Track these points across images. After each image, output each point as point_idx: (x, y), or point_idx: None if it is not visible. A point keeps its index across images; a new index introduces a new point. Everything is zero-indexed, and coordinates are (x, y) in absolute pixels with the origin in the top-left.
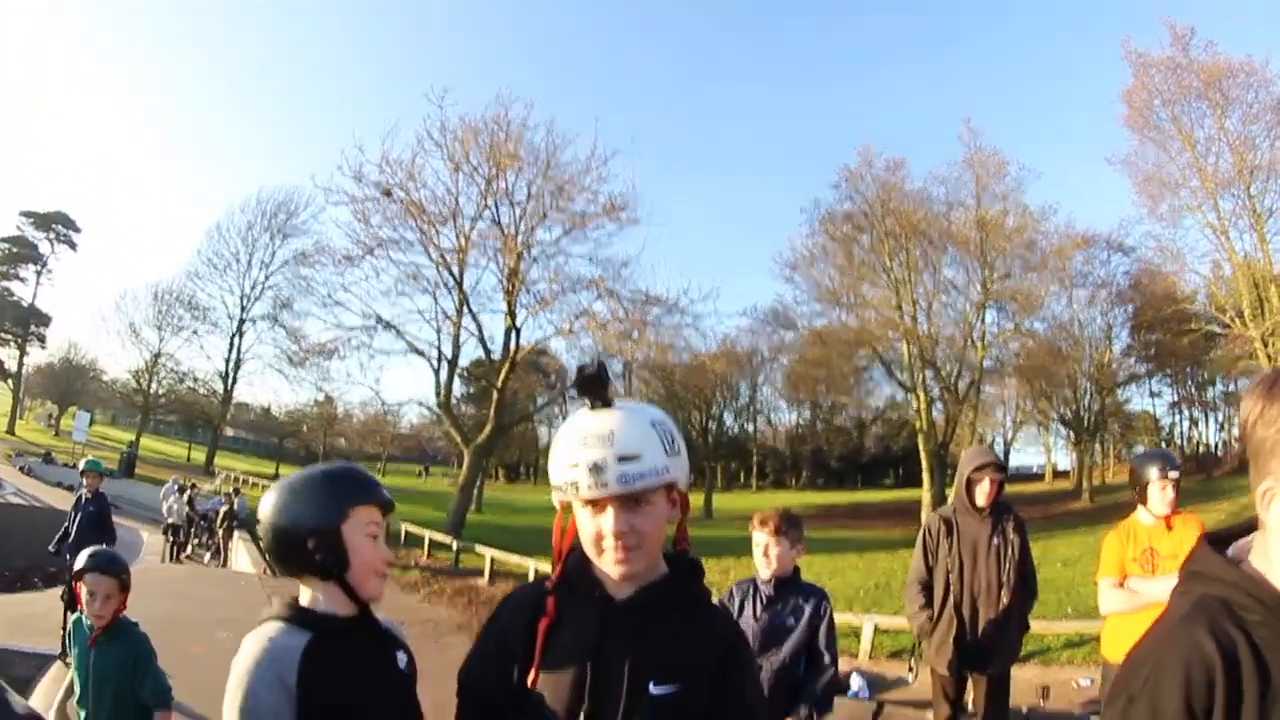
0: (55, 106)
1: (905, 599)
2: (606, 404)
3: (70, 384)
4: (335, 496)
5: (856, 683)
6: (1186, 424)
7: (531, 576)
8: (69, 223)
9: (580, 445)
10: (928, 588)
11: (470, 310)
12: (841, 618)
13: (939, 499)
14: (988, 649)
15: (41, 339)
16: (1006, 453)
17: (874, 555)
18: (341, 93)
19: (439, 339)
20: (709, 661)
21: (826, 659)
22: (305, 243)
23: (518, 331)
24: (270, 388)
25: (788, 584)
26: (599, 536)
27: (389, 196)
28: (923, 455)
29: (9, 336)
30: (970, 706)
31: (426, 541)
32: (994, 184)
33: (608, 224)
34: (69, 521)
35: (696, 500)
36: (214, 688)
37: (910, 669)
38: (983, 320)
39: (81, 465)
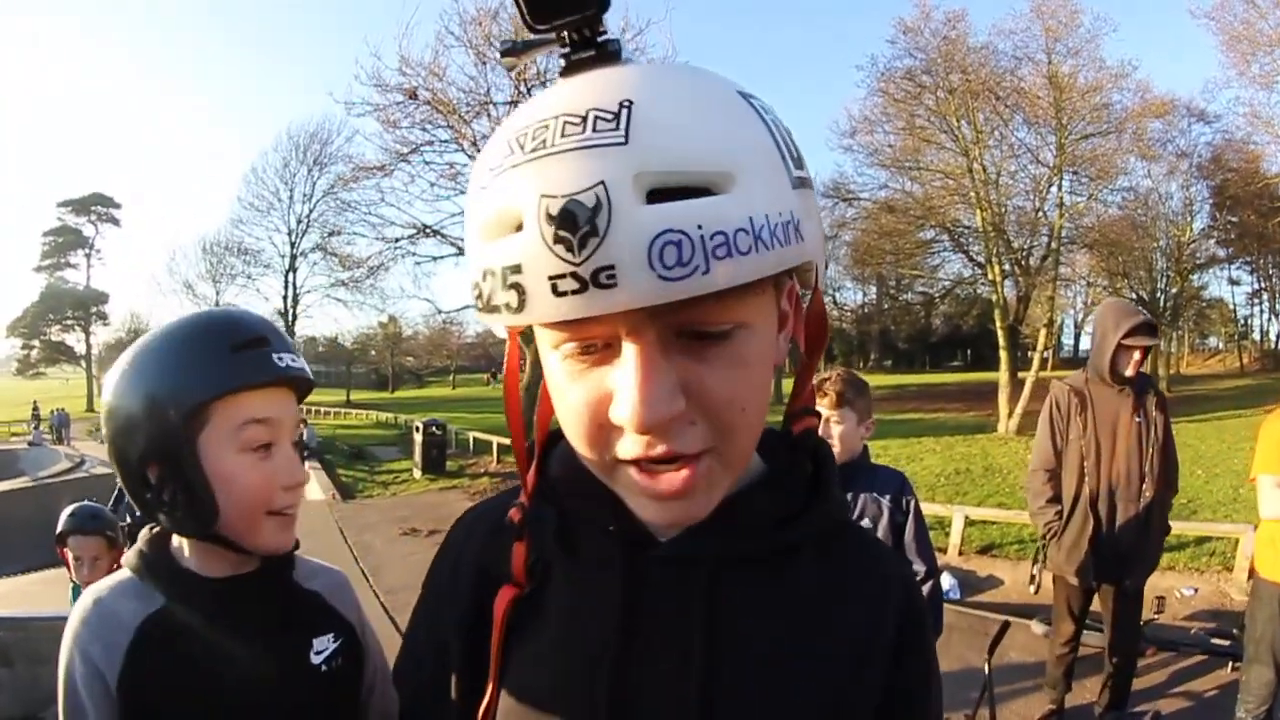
0: (70, 97)
1: (1027, 490)
2: (605, 52)
3: None
4: (180, 385)
5: (947, 582)
6: (1266, 316)
7: None
8: (107, 201)
9: (532, 163)
10: (1055, 477)
11: None
12: (927, 508)
13: (1014, 381)
14: (1126, 555)
15: (104, 317)
16: (1077, 336)
17: (949, 439)
18: (354, 7)
19: None
20: (865, 655)
21: (920, 568)
22: (342, 169)
23: None
24: (331, 317)
25: (857, 470)
26: (598, 429)
27: (414, 98)
28: (999, 332)
29: (72, 321)
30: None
31: (495, 447)
32: (1066, 36)
33: None
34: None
35: None
36: None
37: (1032, 578)
38: (1059, 186)
39: None
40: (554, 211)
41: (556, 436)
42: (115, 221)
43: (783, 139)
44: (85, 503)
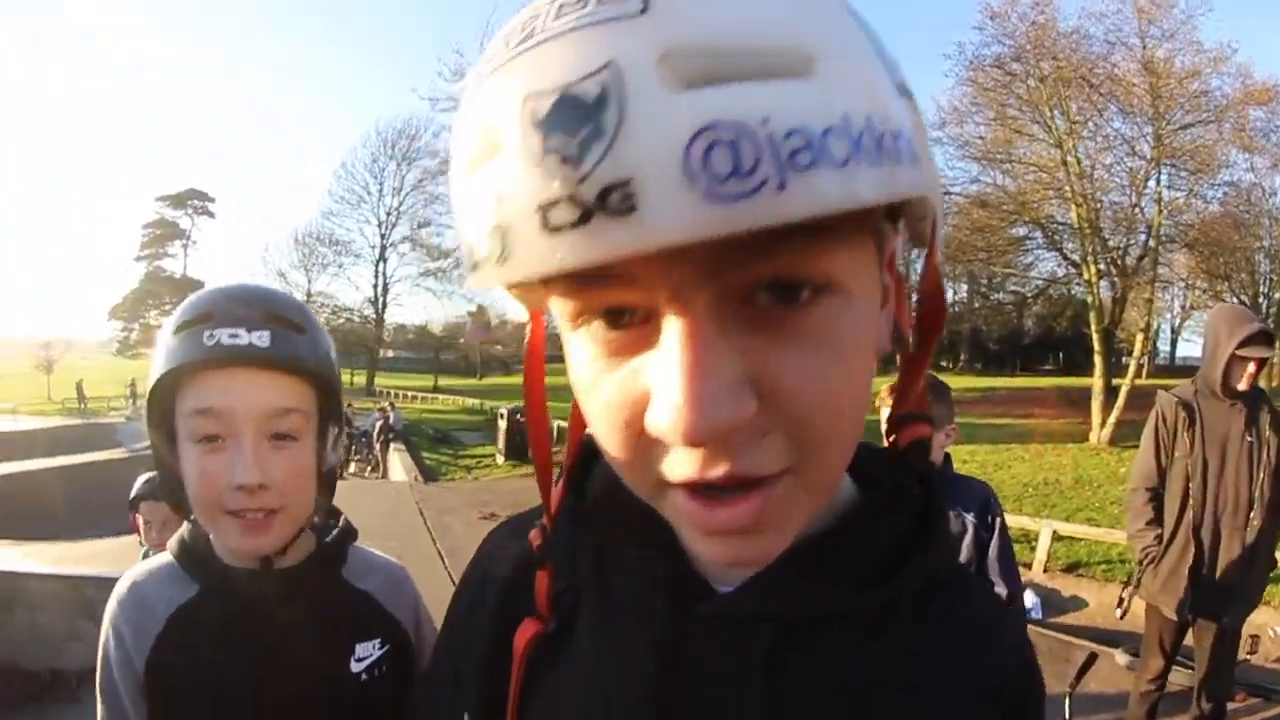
0: (169, 93)
1: (1127, 509)
2: None
3: None
4: (159, 362)
5: (1029, 600)
6: None
7: None
8: (202, 195)
9: (517, 59)
10: (1157, 497)
11: None
12: (1012, 520)
13: (1109, 388)
14: (1227, 590)
15: None
16: (1174, 342)
17: (1039, 447)
18: (441, 6)
19: None
20: None
21: (1003, 590)
22: (431, 164)
23: None
24: (421, 305)
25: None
26: (636, 439)
27: None
28: (1094, 336)
29: (170, 306)
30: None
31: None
32: (1160, 19)
33: None
34: None
35: None
36: None
37: (1121, 602)
38: (1158, 180)
39: None
40: (541, 114)
41: (584, 446)
42: (210, 214)
43: (872, 31)
44: (154, 471)
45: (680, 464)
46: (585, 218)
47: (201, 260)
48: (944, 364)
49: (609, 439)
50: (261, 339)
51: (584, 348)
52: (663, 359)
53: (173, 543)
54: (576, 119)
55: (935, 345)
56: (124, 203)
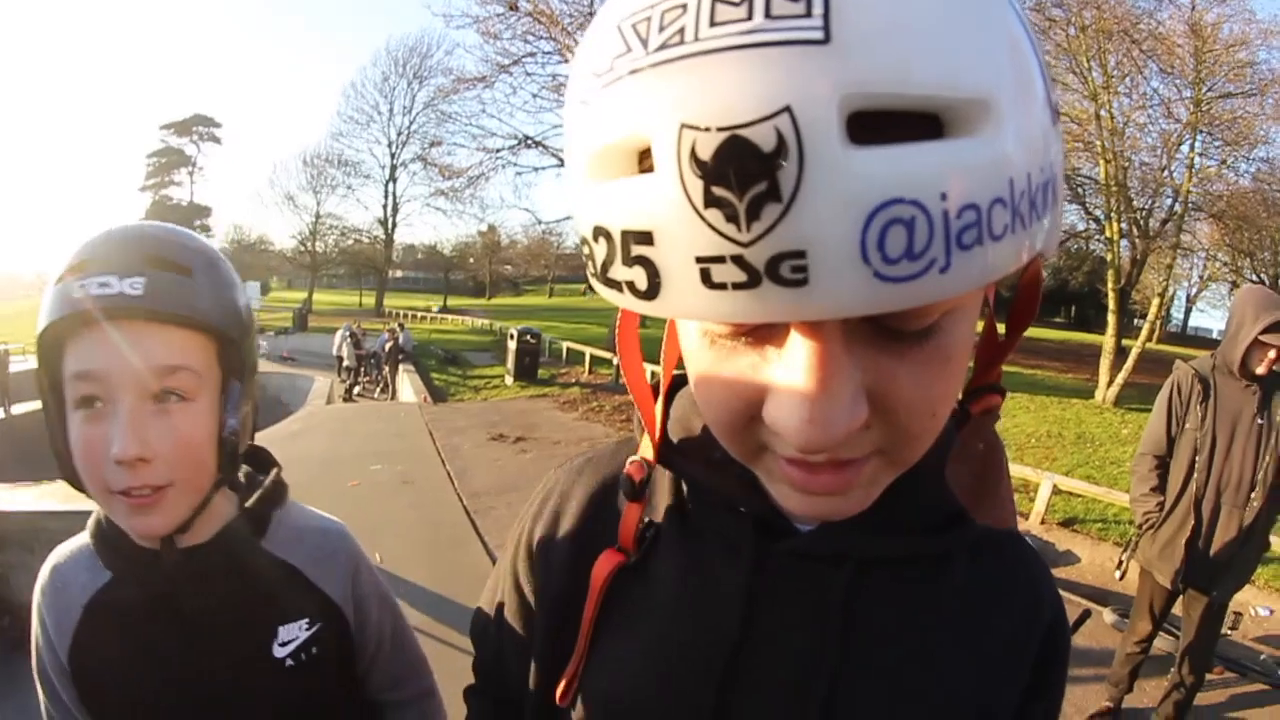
0: (170, 21)
1: (1132, 473)
2: None
3: (242, 261)
4: (40, 319)
5: None
6: None
7: None
8: (208, 121)
9: (662, 68)
10: (1163, 465)
11: None
12: (1015, 470)
13: (1119, 349)
14: (1220, 564)
15: (207, 229)
16: (1187, 311)
17: (1045, 399)
18: None
19: None
20: (1008, 674)
21: None
22: (443, 81)
23: None
24: (430, 225)
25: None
26: (747, 422)
27: (515, 9)
28: (1109, 294)
29: None
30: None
31: (587, 358)
32: None
33: None
34: None
35: None
36: (363, 520)
37: (1119, 564)
38: (1191, 146)
39: None
40: (705, 154)
41: (679, 382)
42: (216, 140)
43: (1032, 36)
44: None
45: (787, 447)
46: (752, 282)
47: (209, 186)
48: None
49: (719, 409)
50: (134, 286)
51: (701, 337)
52: (789, 368)
53: (90, 521)
54: (748, 172)
55: (1023, 334)
56: (129, 133)
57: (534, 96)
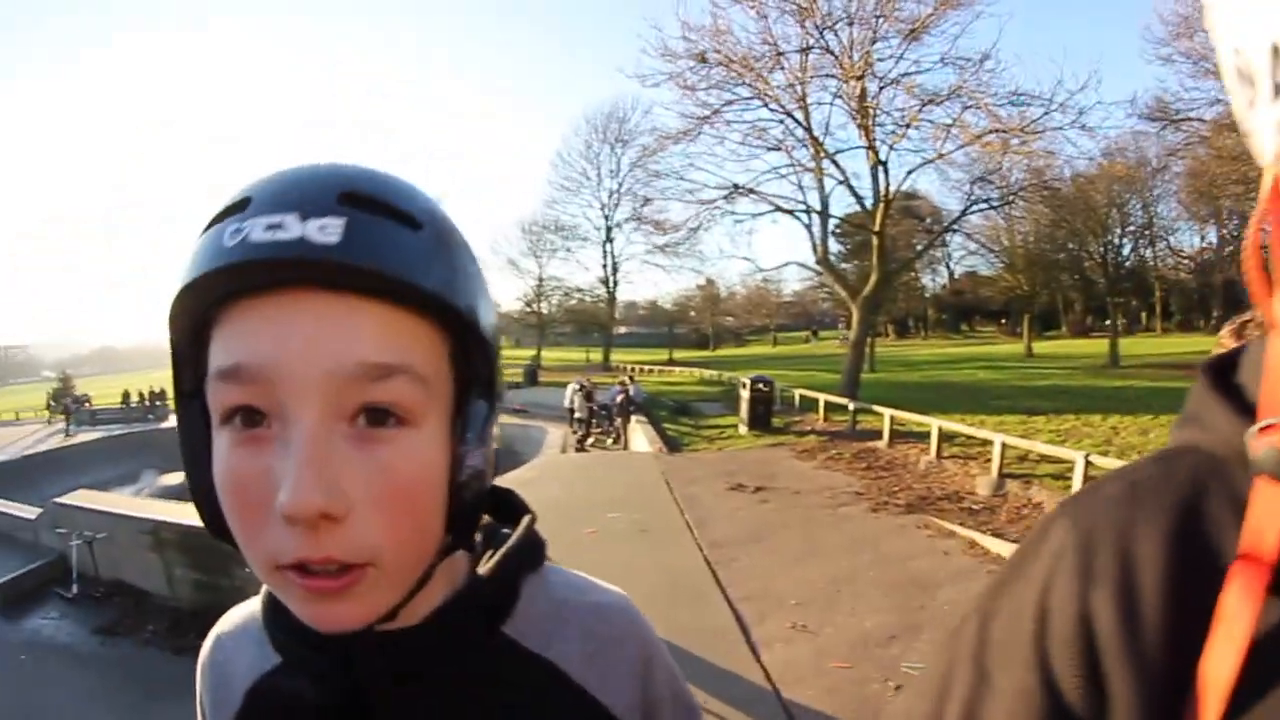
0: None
1: None
2: None
3: None
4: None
5: None
6: None
7: (934, 437)
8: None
9: None
10: None
11: (826, 152)
12: None
13: None
14: None
15: None
16: None
17: None
18: None
19: (803, 194)
20: None
21: None
22: (646, 140)
23: (884, 167)
24: (650, 281)
25: None
26: None
27: (704, 62)
28: None
29: None
30: None
31: (821, 405)
32: None
33: (950, 17)
34: None
35: (1100, 347)
36: (600, 569)
37: None
38: None
39: None
40: None
41: None
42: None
43: None
44: None
45: None
46: None
47: None
48: (1198, 322)
49: None
50: (326, 230)
51: None
52: None
53: (263, 590)
54: None
55: None
56: None
57: (740, 143)
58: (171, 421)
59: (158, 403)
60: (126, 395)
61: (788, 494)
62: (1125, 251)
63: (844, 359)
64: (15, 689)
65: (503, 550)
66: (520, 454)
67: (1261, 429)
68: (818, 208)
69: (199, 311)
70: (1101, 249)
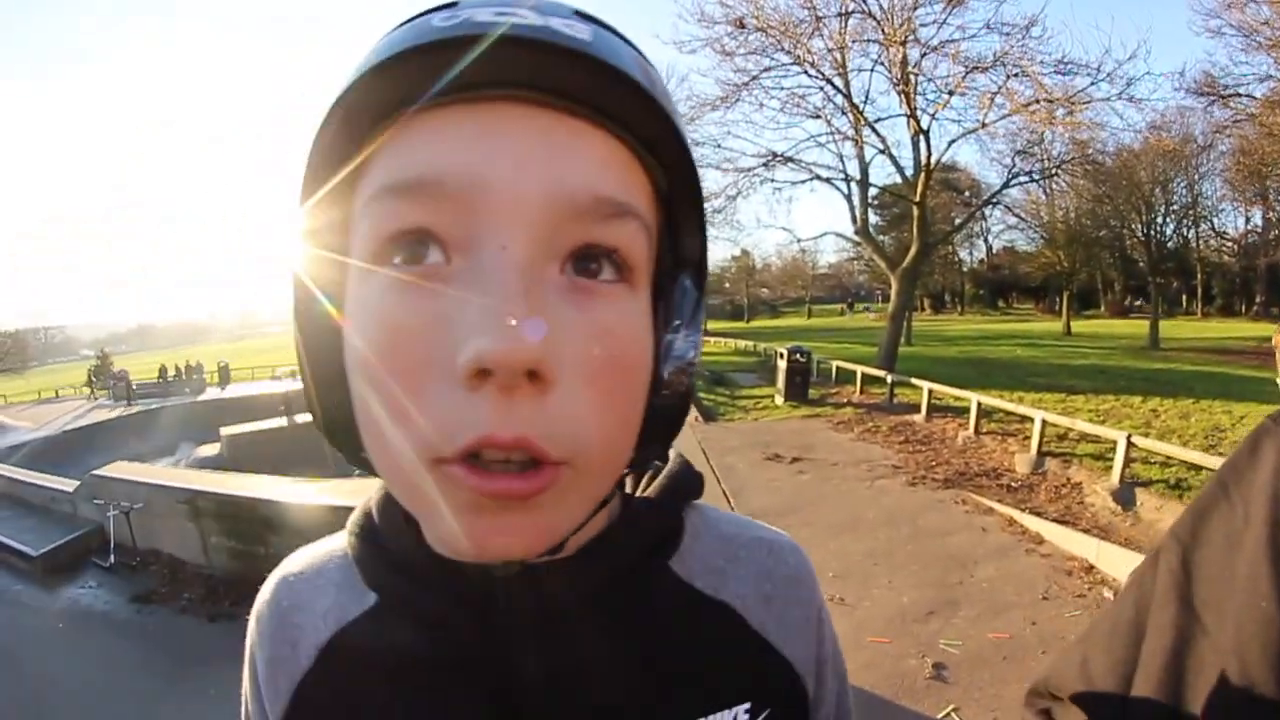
0: None
1: None
2: None
3: None
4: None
5: None
6: None
7: (973, 412)
8: None
9: None
10: None
11: (866, 120)
12: None
13: None
14: None
15: None
16: None
17: None
18: None
19: (843, 163)
20: None
21: None
22: (682, 109)
23: (925, 136)
24: None
25: None
26: None
27: (742, 27)
28: None
29: None
30: None
31: (859, 377)
32: None
33: None
34: None
35: (1140, 328)
36: None
37: None
38: None
39: None
40: None
41: None
42: None
43: None
44: None
45: None
46: None
47: None
48: (1238, 307)
49: None
50: (574, 28)
51: None
52: None
53: (355, 511)
54: None
55: None
56: None
57: (781, 110)
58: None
59: (195, 376)
60: (163, 369)
61: (825, 465)
62: (1168, 231)
63: (879, 332)
64: (54, 656)
65: (664, 474)
66: None
67: None
68: (857, 177)
69: (367, 121)
70: (1144, 228)
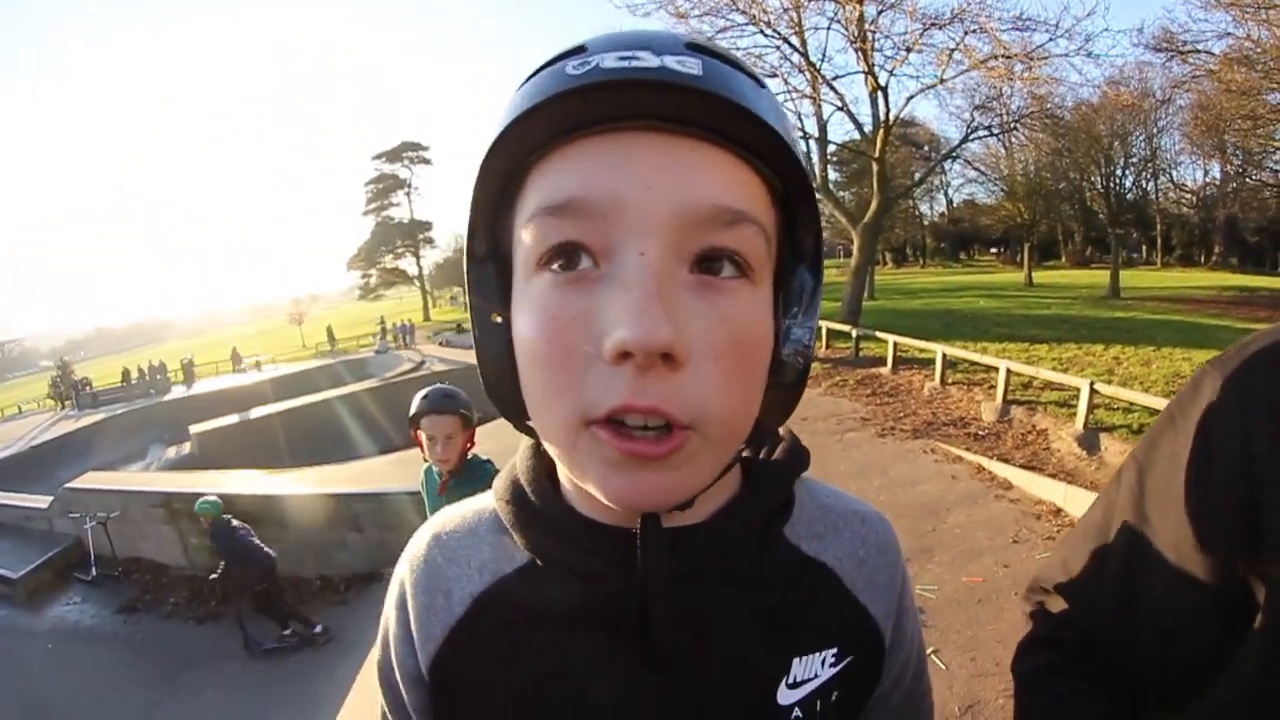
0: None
1: None
2: None
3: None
4: (492, 138)
5: None
6: None
7: (939, 362)
8: (416, 146)
9: None
10: None
11: (823, 79)
12: None
13: None
14: None
15: (430, 241)
16: None
17: None
18: None
19: (800, 122)
20: None
21: None
22: None
23: (884, 92)
24: None
25: None
26: None
27: None
28: None
29: (404, 249)
30: None
31: (824, 331)
32: None
33: None
34: None
35: (1101, 278)
36: None
37: None
38: None
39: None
40: None
41: None
42: (427, 161)
43: None
44: (438, 385)
45: None
46: None
47: (428, 202)
48: (1197, 257)
49: None
50: (686, 64)
51: None
52: None
53: (501, 480)
54: None
55: None
56: (349, 169)
57: None
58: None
59: (158, 376)
60: (126, 373)
61: (794, 421)
62: (1127, 184)
63: (842, 287)
64: (47, 679)
65: (779, 448)
66: None
67: None
68: (815, 135)
69: (522, 154)
70: (1103, 180)
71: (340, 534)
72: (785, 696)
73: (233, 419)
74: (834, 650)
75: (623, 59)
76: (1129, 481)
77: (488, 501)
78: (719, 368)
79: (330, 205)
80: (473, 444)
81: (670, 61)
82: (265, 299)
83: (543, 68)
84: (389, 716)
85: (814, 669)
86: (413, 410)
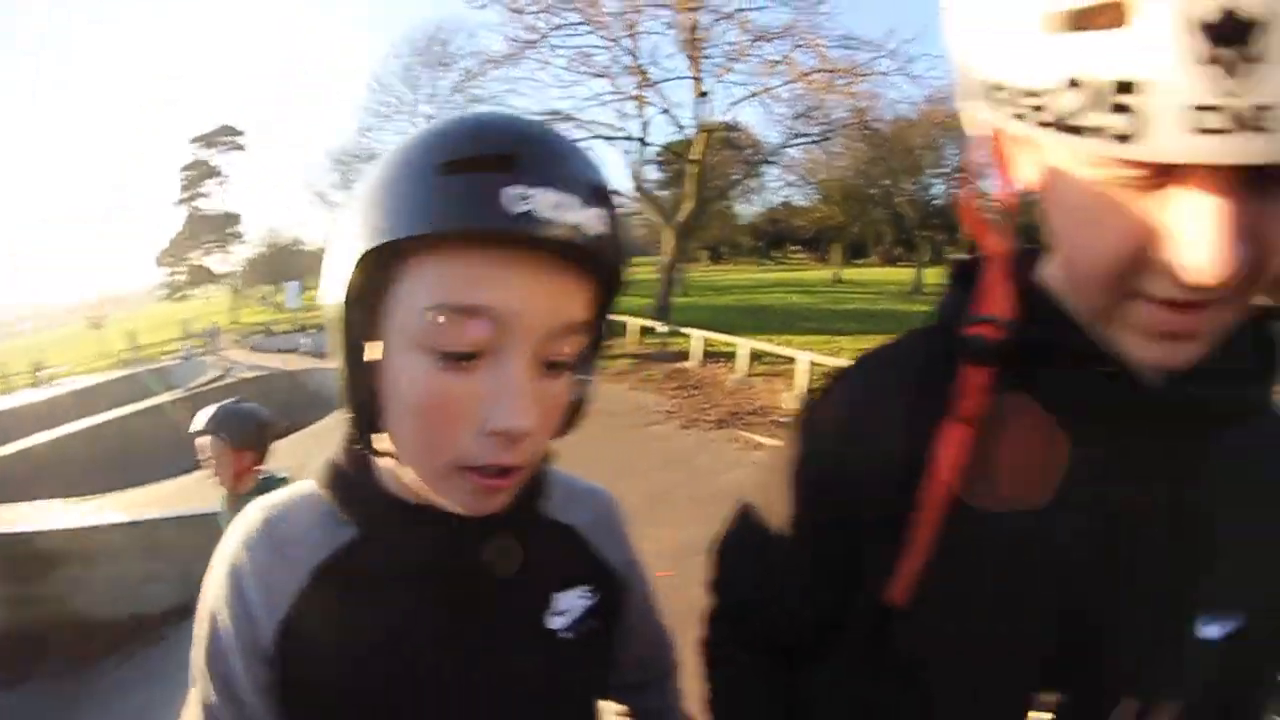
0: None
1: None
2: None
3: (277, 264)
4: (403, 213)
5: None
6: None
7: (745, 357)
8: (232, 131)
9: None
10: None
11: (650, 81)
12: None
13: None
14: None
15: (238, 236)
16: None
17: None
18: None
19: (624, 122)
20: None
21: None
22: (472, 64)
23: (706, 97)
24: None
25: None
26: (1131, 264)
27: None
28: None
29: (212, 244)
30: None
31: (630, 328)
32: None
33: None
34: None
35: (906, 275)
36: None
37: None
38: None
39: None
40: (1211, 19)
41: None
42: (240, 148)
43: None
44: (224, 402)
45: (1167, 288)
46: (1238, 128)
47: (238, 193)
48: None
49: (1104, 256)
50: (594, 222)
51: (1095, 186)
52: (1193, 210)
53: (321, 471)
54: (1244, 34)
55: None
56: (166, 152)
57: (564, 69)
58: None
59: None
60: None
61: (601, 416)
62: (936, 191)
63: (655, 283)
64: None
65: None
66: (330, 401)
67: (977, 325)
68: (638, 135)
69: (424, 247)
70: (914, 187)
71: (148, 565)
72: (552, 621)
73: (30, 441)
74: (586, 588)
75: (556, 208)
76: (785, 453)
77: (307, 488)
78: (544, 433)
79: (142, 191)
80: (260, 462)
81: (590, 216)
82: (59, 301)
83: (469, 162)
84: (213, 701)
85: (572, 601)
86: (193, 428)
